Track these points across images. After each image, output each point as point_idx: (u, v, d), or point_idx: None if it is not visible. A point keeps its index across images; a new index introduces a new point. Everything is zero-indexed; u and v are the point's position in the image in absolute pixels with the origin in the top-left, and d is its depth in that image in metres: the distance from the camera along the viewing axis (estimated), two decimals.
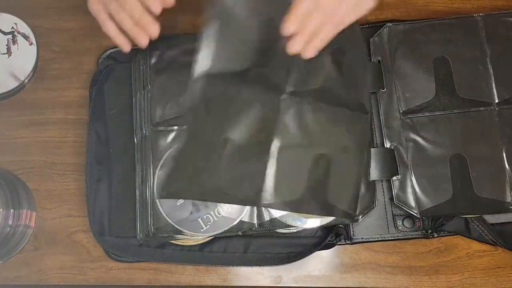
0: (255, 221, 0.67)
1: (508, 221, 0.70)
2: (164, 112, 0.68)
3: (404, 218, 0.70)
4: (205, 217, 0.66)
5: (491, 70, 0.70)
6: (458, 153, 0.68)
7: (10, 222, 0.68)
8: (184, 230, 0.66)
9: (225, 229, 0.66)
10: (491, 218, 0.70)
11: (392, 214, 0.70)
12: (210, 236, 0.68)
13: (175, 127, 0.68)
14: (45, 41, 0.78)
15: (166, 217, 0.66)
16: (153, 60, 0.70)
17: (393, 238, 0.70)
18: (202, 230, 0.66)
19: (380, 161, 0.69)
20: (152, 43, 0.70)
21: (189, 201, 0.66)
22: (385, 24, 0.73)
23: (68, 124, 0.75)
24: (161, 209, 0.66)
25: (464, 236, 0.70)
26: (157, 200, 0.66)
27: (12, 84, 0.75)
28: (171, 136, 0.68)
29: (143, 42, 0.61)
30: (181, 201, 0.66)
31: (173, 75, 0.69)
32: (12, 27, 0.77)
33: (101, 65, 0.75)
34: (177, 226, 0.66)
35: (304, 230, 0.69)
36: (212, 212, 0.66)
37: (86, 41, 0.78)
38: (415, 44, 0.72)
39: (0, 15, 0.77)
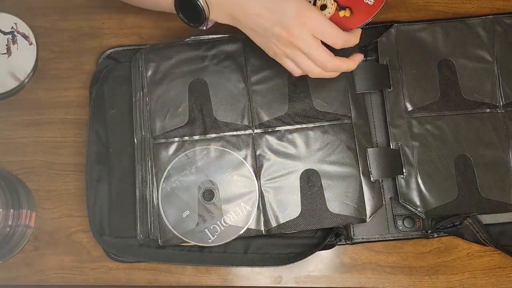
0: (262, 228, 0.67)
1: (508, 221, 0.70)
2: (163, 124, 0.68)
3: (404, 218, 0.70)
4: (211, 227, 0.66)
5: (498, 72, 0.71)
6: (463, 154, 0.69)
7: (10, 222, 0.68)
8: (192, 242, 0.66)
9: (233, 238, 0.66)
10: (490, 218, 0.70)
11: (393, 214, 0.70)
12: None
13: (176, 139, 0.68)
14: (45, 41, 0.78)
15: (173, 230, 0.66)
16: (149, 73, 0.70)
17: (393, 238, 0.70)
18: (209, 241, 0.66)
19: (382, 160, 0.69)
20: (147, 54, 0.70)
21: (195, 212, 0.66)
22: (393, 24, 0.73)
23: (68, 124, 0.75)
24: (166, 222, 0.66)
25: (457, 236, 0.70)
26: (162, 213, 0.66)
27: (12, 84, 0.75)
28: (173, 148, 0.68)
29: None
30: (186, 212, 0.66)
31: (170, 86, 0.70)
32: (12, 27, 0.77)
33: (101, 65, 0.75)
34: (184, 238, 0.66)
35: (305, 230, 0.69)
36: (218, 222, 0.66)
37: (86, 41, 0.77)
38: (423, 44, 0.72)
39: (0, 15, 0.77)
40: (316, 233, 0.70)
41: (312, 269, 0.71)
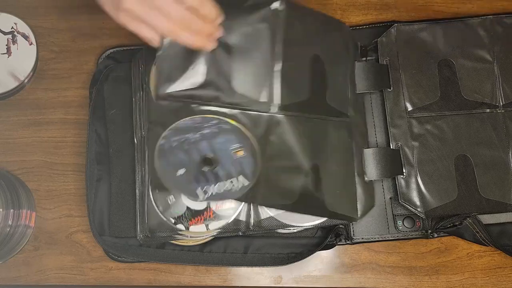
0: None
1: (508, 221, 0.70)
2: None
3: (404, 218, 0.70)
4: (204, 188, 0.64)
5: (497, 72, 0.71)
6: (463, 154, 0.69)
7: (10, 222, 0.68)
8: (182, 193, 0.65)
9: (224, 200, 0.65)
10: (490, 218, 0.70)
11: (393, 214, 0.70)
12: (211, 236, 0.68)
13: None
14: (45, 41, 0.78)
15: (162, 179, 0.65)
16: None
17: (393, 238, 0.70)
18: (199, 199, 0.65)
19: (381, 160, 0.69)
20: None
21: (190, 173, 0.65)
22: (393, 24, 0.73)
23: (68, 124, 0.75)
24: (158, 170, 0.65)
25: (457, 236, 0.70)
26: (156, 163, 0.65)
27: (12, 84, 0.75)
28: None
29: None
30: (182, 171, 0.65)
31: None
32: (12, 27, 0.77)
33: (101, 65, 0.75)
34: (174, 187, 0.65)
35: (304, 230, 0.69)
36: (212, 186, 0.65)
37: (86, 41, 0.78)
38: (423, 44, 0.72)
39: (0, 15, 0.77)
40: (316, 233, 0.70)
41: (312, 269, 0.71)
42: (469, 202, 0.67)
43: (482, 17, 0.73)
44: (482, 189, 0.68)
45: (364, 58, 0.73)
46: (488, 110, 0.70)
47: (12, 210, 0.68)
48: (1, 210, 0.67)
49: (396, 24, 0.73)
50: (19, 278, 0.71)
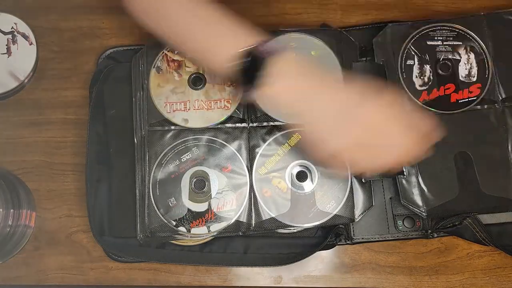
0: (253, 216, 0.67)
1: (508, 221, 0.70)
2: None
3: (404, 218, 0.70)
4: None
5: (494, 68, 0.71)
6: (463, 151, 0.68)
7: (10, 222, 0.68)
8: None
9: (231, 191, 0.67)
10: (490, 218, 0.70)
11: (393, 214, 0.70)
12: (211, 236, 0.68)
13: (172, 127, 0.68)
14: (45, 41, 0.78)
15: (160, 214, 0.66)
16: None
17: (393, 238, 0.70)
18: None
19: None
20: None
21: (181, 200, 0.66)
22: (387, 24, 0.73)
23: (68, 124, 0.75)
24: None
25: (457, 236, 0.70)
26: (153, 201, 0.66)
27: (12, 84, 0.75)
28: (168, 135, 0.68)
29: None
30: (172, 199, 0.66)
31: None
32: (12, 27, 0.77)
33: (101, 65, 0.75)
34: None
35: (304, 230, 0.69)
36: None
37: (86, 41, 0.78)
38: (419, 43, 0.72)
39: (0, 15, 0.77)
40: (316, 233, 0.70)
41: (312, 269, 0.71)
42: (470, 199, 0.67)
43: (479, 14, 0.73)
44: (483, 185, 0.67)
45: (364, 59, 0.73)
46: (486, 106, 0.70)
47: (12, 210, 0.68)
48: (1, 210, 0.67)
49: (390, 24, 0.73)
50: (19, 278, 0.71)
